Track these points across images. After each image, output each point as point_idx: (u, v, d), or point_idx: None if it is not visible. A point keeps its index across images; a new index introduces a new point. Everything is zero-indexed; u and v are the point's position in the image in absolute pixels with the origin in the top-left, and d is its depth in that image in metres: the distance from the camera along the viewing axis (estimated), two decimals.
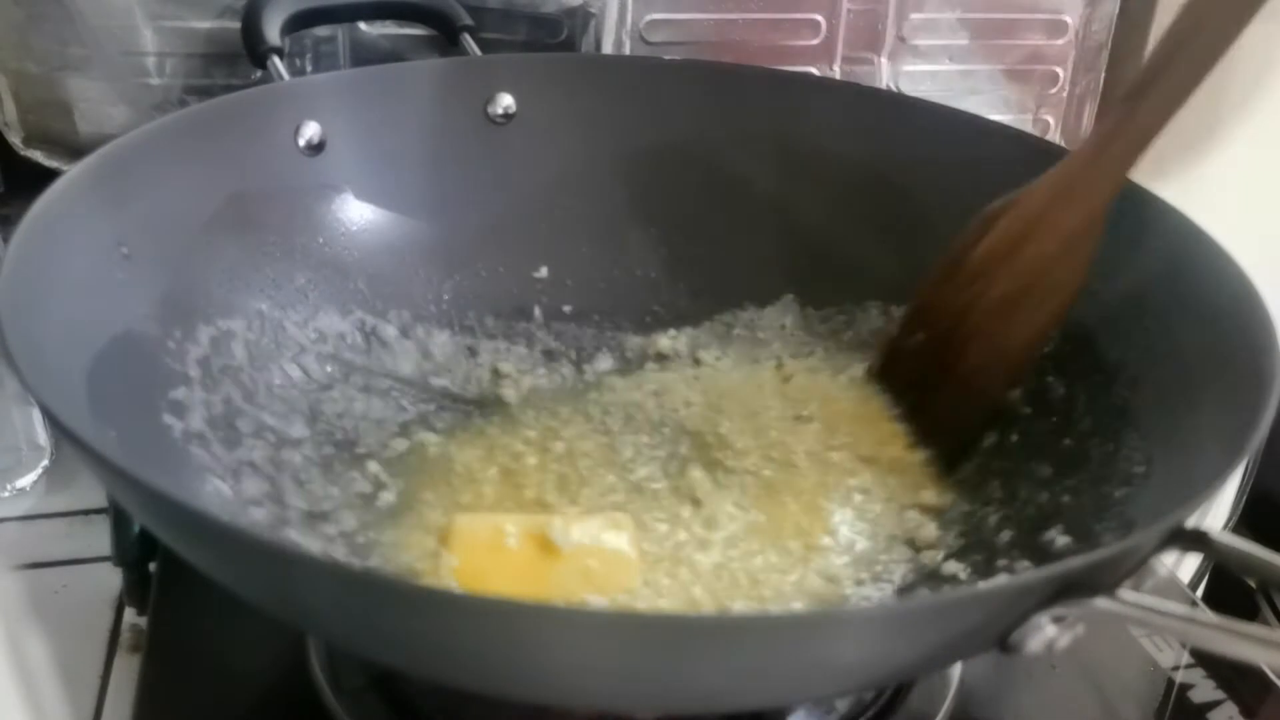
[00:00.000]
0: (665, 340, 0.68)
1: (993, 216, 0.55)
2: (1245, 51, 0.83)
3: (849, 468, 0.59)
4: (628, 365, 0.67)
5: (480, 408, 0.63)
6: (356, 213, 0.66)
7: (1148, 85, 0.50)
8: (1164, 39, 0.49)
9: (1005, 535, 0.53)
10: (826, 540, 0.55)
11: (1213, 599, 0.84)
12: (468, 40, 0.70)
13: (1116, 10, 0.83)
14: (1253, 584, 0.89)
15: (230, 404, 0.56)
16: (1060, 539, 0.50)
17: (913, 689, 0.54)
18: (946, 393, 0.57)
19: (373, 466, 0.58)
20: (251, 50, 0.66)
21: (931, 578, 0.53)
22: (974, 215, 0.63)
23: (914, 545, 0.55)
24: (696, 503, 0.56)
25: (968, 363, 0.56)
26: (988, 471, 0.58)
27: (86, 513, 0.68)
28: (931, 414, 0.58)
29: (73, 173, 0.52)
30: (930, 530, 0.55)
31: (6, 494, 0.68)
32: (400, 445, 0.60)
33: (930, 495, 0.57)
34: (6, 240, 0.47)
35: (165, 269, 0.56)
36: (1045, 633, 0.37)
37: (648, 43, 0.77)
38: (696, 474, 0.58)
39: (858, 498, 0.57)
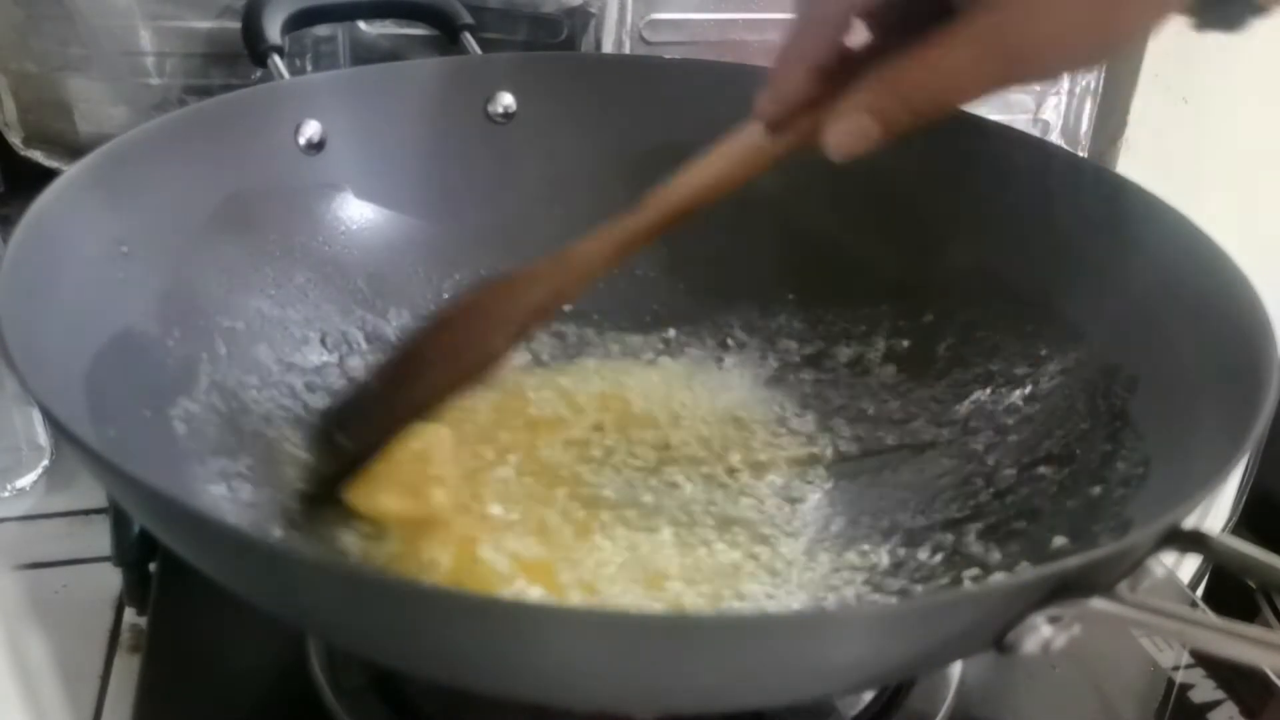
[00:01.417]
0: (664, 339, 0.68)
1: (484, 282, 0.55)
2: (1246, 52, 0.83)
3: None
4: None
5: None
6: (356, 212, 0.66)
7: (643, 209, 0.52)
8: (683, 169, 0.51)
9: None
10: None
11: (1213, 599, 0.84)
12: (468, 39, 0.70)
13: None
14: (1252, 585, 0.89)
15: (230, 403, 0.56)
16: (1057, 539, 0.50)
17: (913, 689, 0.54)
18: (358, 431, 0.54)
19: None
20: (252, 49, 0.66)
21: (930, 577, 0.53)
22: (972, 215, 0.63)
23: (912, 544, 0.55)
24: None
25: (383, 404, 0.54)
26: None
27: (86, 513, 0.68)
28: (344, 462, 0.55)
29: (72, 172, 0.52)
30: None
31: (6, 494, 0.68)
32: None
33: None
34: (6, 240, 0.47)
35: (165, 268, 0.56)
36: (1041, 633, 0.37)
37: (648, 43, 0.77)
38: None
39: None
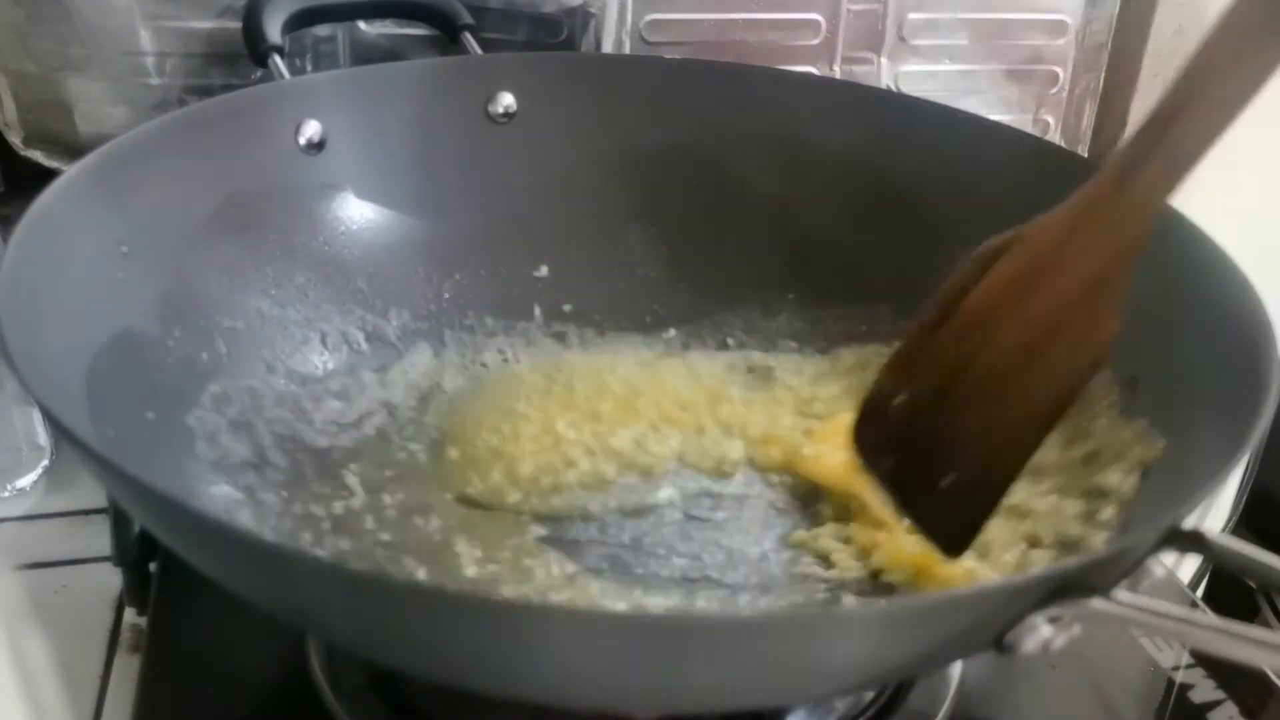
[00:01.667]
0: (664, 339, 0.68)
1: (989, 255, 0.45)
2: None
3: None
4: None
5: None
6: (357, 212, 0.66)
7: (1187, 101, 0.40)
8: (1201, 51, 0.40)
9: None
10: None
11: (1213, 599, 0.84)
12: (468, 39, 0.70)
13: (1116, 10, 0.83)
14: (1252, 585, 0.89)
15: (230, 403, 0.56)
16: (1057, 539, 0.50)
17: (913, 689, 0.54)
18: (934, 474, 0.46)
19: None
20: (252, 49, 0.66)
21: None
22: (972, 215, 0.63)
23: None
24: None
25: (962, 435, 0.45)
26: None
27: (86, 513, 0.68)
28: (919, 502, 0.48)
29: (72, 172, 0.52)
30: None
31: (6, 494, 0.68)
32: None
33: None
34: (6, 240, 0.47)
35: (165, 268, 0.56)
36: (1041, 633, 0.37)
37: (648, 43, 0.77)
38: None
39: None
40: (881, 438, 0.48)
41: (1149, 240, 0.43)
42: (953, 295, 0.45)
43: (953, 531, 0.46)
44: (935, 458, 0.45)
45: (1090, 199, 0.43)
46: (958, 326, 0.45)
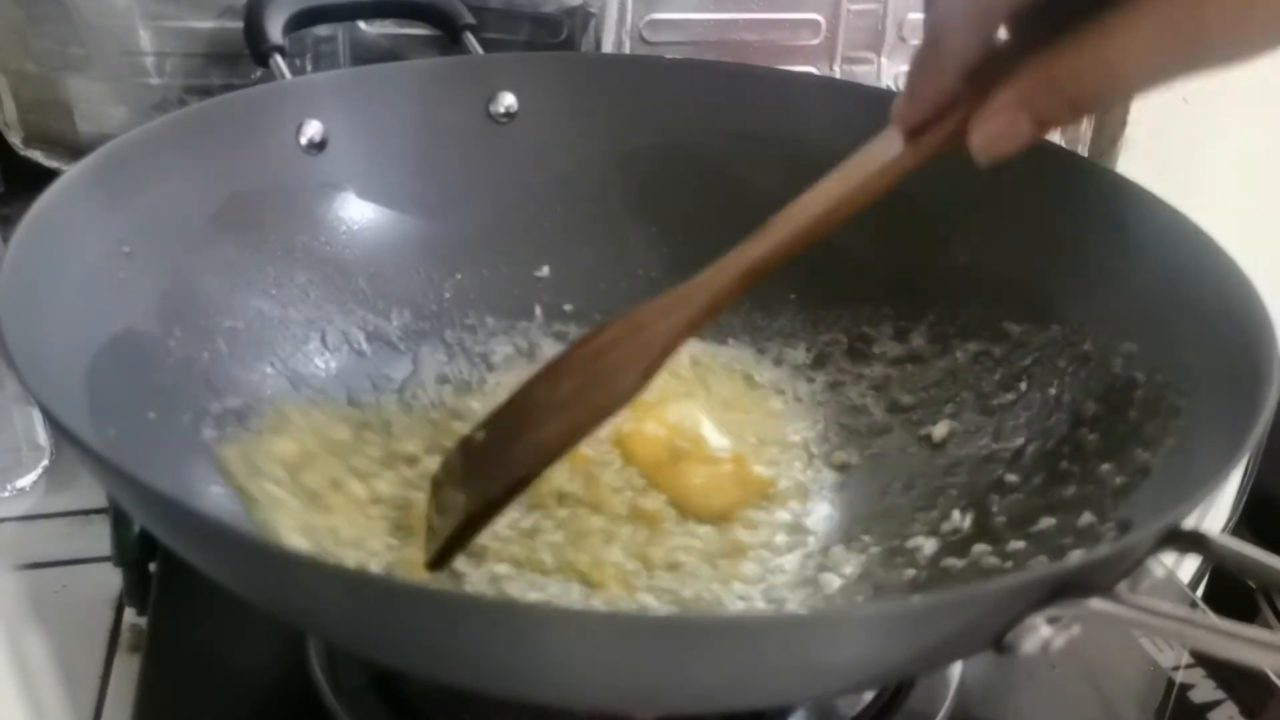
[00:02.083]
0: None
1: (604, 325, 0.52)
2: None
3: None
4: None
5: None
6: (358, 211, 0.66)
7: (771, 231, 0.51)
8: (816, 186, 0.50)
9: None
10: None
11: (1213, 599, 0.84)
12: (469, 39, 0.70)
13: None
14: (1252, 585, 0.89)
15: (230, 403, 0.56)
16: (1058, 538, 0.50)
17: (913, 689, 0.54)
18: (471, 484, 0.51)
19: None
20: (253, 49, 0.66)
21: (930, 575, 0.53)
22: (972, 215, 0.63)
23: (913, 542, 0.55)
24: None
25: (504, 452, 0.51)
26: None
27: (86, 513, 0.68)
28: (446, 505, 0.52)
29: (73, 172, 0.52)
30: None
31: (6, 494, 0.68)
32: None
33: None
34: (6, 240, 0.47)
35: (166, 268, 0.56)
36: (1041, 633, 0.37)
37: (648, 43, 0.77)
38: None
39: None
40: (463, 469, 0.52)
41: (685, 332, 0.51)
42: (556, 358, 0.52)
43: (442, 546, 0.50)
44: (469, 480, 0.51)
45: (683, 292, 0.51)
46: (547, 376, 0.51)
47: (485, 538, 0.52)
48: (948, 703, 0.54)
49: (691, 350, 0.67)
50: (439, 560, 0.50)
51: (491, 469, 0.50)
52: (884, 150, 0.47)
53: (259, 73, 0.68)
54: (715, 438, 0.59)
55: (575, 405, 0.50)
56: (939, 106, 0.44)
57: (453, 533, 0.49)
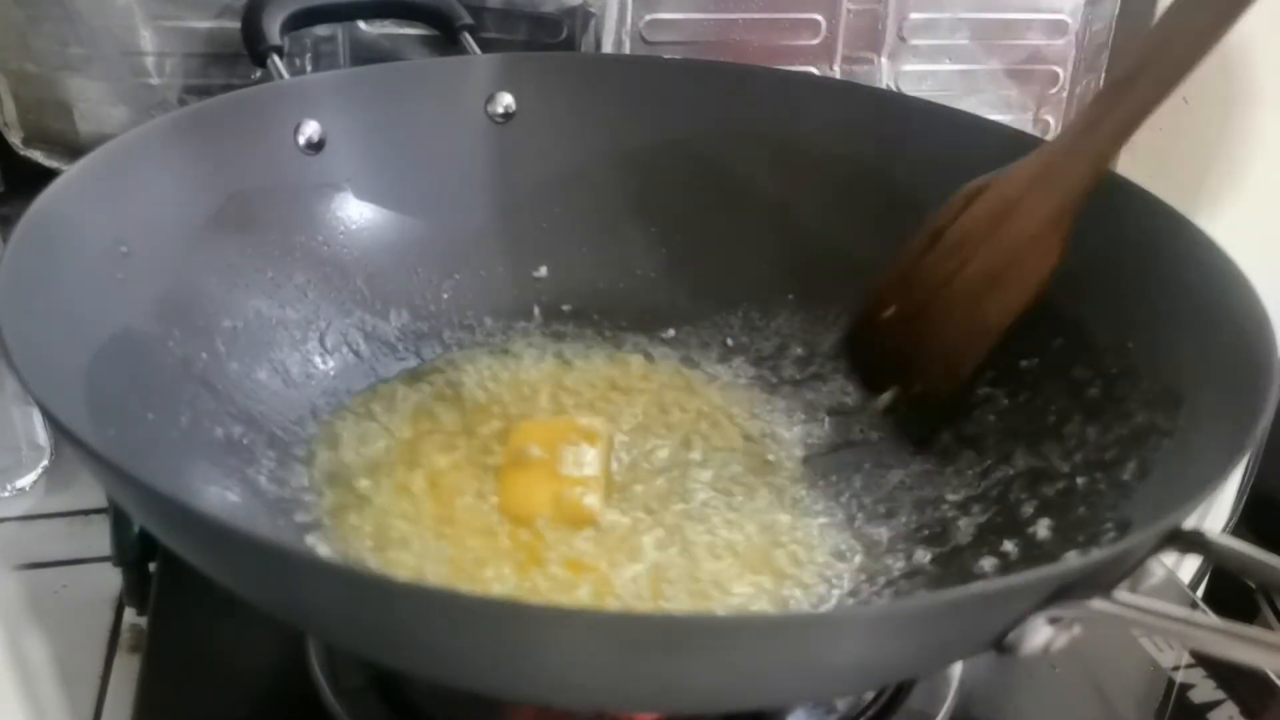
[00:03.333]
0: (664, 339, 0.68)
1: (973, 193, 0.55)
2: (1246, 52, 0.83)
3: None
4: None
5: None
6: (356, 212, 0.66)
7: (1133, 76, 0.50)
8: (1152, 32, 0.49)
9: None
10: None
11: (1213, 599, 0.84)
12: (467, 39, 0.70)
13: (1116, 10, 0.83)
14: (1252, 585, 0.89)
15: (230, 403, 0.56)
16: (1057, 538, 0.50)
17: (913, 689, 0.54)
18: (917, 370, 0.57)
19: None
20: (251, 49, 0.66)
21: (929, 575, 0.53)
22: None
23: (912, 543, 0.55)
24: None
25: (940, 340, 0.55)
26: (990, 472, 0.58)
27: (86, 513, 0.68)
28: (904, 390, 0.58)
29: (72, 172, 0.52)
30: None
31: (6, 494, 0.68)
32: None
33: None
34: (6, 240, 0.47)
35: (165, 268, 0.56)
36: (1042, 633, 0.37)
37: (648, 43, 0.77)
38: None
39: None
40: (871, 347, 0.57)
41: (1095, 189, 0.52)
42: (936, 228, 0.54)
43: (923, 427, 0.56)
44: (916, 360, 0.55)
45: (1054, 152, 0.52)
46: (939, 254, 0.54)
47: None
48: (948, 703, 0.54)
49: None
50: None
51: (928, 350, 0.54)
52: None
53: (259, 73, 0.68)
54: (581, 457, 0.58)
55: (1000, 289, 0.52)
56: None
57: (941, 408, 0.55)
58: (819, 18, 0.79)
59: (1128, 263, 0.56)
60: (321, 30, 0.73)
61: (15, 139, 0.71)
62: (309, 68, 0.74)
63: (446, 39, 0.71)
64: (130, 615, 0.62)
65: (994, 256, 0.53)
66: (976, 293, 0.54)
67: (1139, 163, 0.88)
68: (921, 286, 0.55)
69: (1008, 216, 0.53)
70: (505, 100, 0.68)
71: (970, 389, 0.60)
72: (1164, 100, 0.50)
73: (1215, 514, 0.96)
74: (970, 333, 0.55)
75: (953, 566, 0.53)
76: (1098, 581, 0.37)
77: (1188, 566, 0.88)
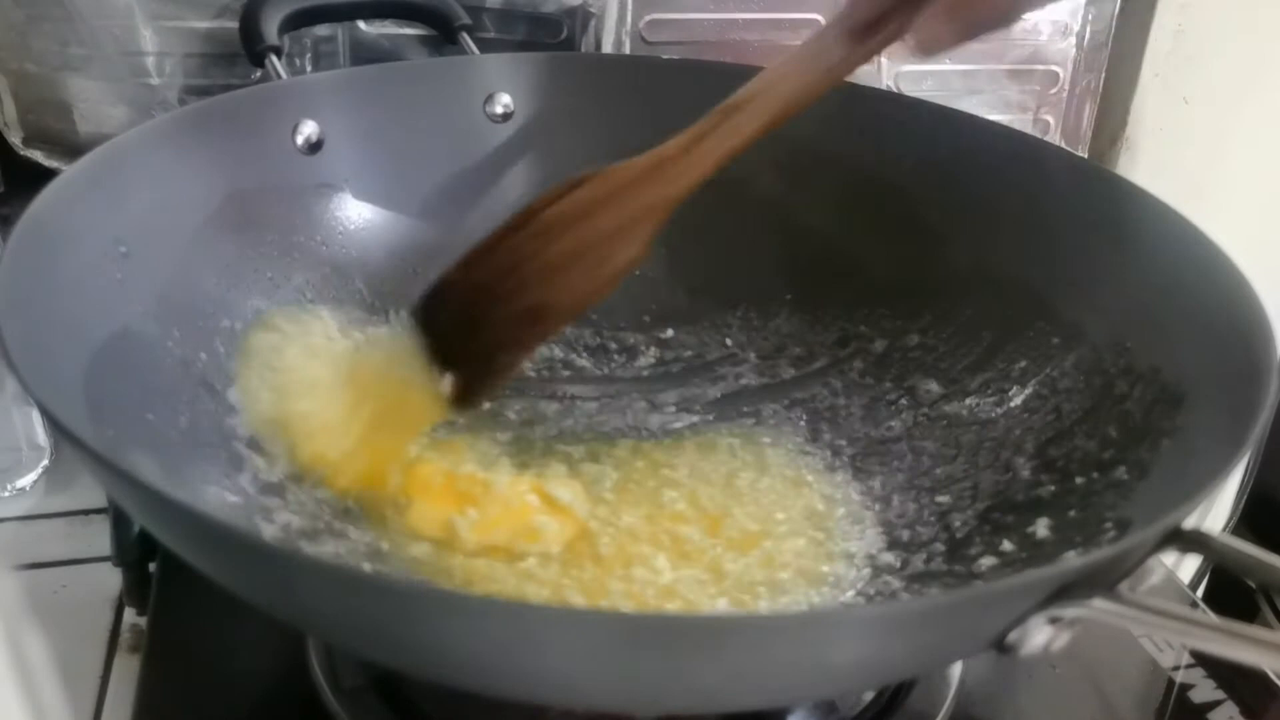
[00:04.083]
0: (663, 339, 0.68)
1: (579, 180, 0.55)
2: (1246, 52, 0.83)
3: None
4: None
5: None
6: (354, 212, 0.66)
7: (745, 103, 0.52)
8: (776, 64, 0.52)
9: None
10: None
11: (1213, 599, 0.84)
12: (466, 39, 0.70)
13: (1116, 10, 0.83)
14: (1252, 585, 0.89)
15: (230, 403, 0.56)
16: (1057, 539, 0.50)
17: (913, 689, 0.54)
18: (481, 337, 0.56)
19: None
20: (249, 49, 0.66)
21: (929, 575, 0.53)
22: (971, 215, 0.63)
23: (911, 542, 0.55)
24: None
25: (508, 311, 0.55)
26: (989, 473, 0.58)
27: (86, 513, 0.68)
28: (460, 359, 0.57)
29: (71, 171, 0.52)
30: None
31: (6, 494, 0.68)
32: None
33: None
34: (6, 240, 0.47)
35: (164, 268, 0.56)
36: (1042, 633, 0.37)
37: (648, 43, 0.77)
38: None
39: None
40: (443, 312, 0.56)
41: (682, 199, 0.54)
42: (536, 209, 0.55)
43: (475, 391, 0.56)
44: (482, 328, 0.55)
45: (659, 158, 0.54)
46: (531, 231, 0.54)
47: None
48: (948, 703, 0.54)
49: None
50: (465, 402, 0.56)
51: (494, 320, 0.54)
52: (831, 50, 0.50)
53: (258, 73, 0.68)
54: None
55: (579, 269, 0.54)
56: (881, 9, 0.48)
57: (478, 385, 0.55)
58: (819, 18, 0.79)
59: (1127, 262, 0.56)
60: (321, 30, 0.73)
61: (15, 139, 0.71)
62: (309, 68, 0.74)
63: (445, 39, 0.72)
64: (130, 615, 0.62)
65: (578, 241, 0.54)
66: (554, 272, 0.54)
67: (1139, 163, 0.88)
68: (505, 259, 0.55)
69: (601, 207, 0.54)
70: (504, 100, 0.68)
71: (968, 388, 0.59)
72: (765, 133, 0.52)
73: (1215, 514, 0.96)
74: (536, 312, 0.55)
75: (953, 566, 0.53)
76: (1098, 581, 0.37)
77: (1188, 566, 0.88)
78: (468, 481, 0.56)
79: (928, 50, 0.46)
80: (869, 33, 0.49)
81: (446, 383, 0.55)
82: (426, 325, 0.56)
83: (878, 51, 0.49)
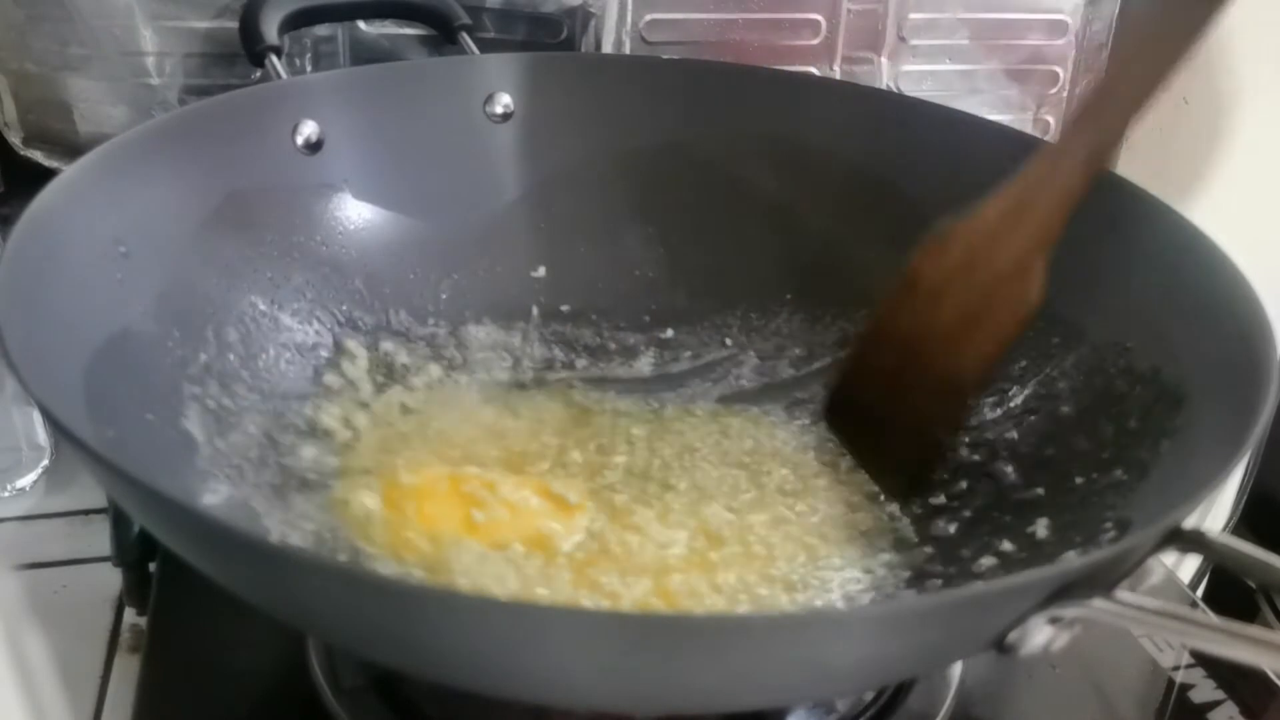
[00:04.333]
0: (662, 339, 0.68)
1: (943, 237, 0.53)
2: (1246, 52, 0.83)
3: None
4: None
5: None
6: (354, 212, 0.66)
7: (1100, 103, 0.50)
8: (1112, 59, 0.49)
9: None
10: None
11: (1213, 599, 0.84)
12: (466, 39, 0.70)
13: (1116, 10, 0.83)
14: (1252, 585, 0.89)
15: (229, 403, 0.56)
16: (1056, 539, 0.50)
17: (913, 689, 0.54)
18: (901, 429, 0.54)
19: None
20: (249, 49, 0.66)
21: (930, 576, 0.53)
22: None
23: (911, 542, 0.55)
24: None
25: (922, 394, 0.53)
26: (989, 473, 0.58)
27: (86, 513, 0.68)
28: (887, 452, 0.56)
29: (70, 171, 0.52)
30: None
31: (6, 494, 0.68)
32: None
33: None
34: (6, 240, 0.47)
35: (163, 268, 0.56)
36: (1042, 633, 0.37)
37: (648, 43, 0.77)
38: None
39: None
40: (854, 411, 0.55)
41: (1072, 215, 0.50)
42: (910, 278, 0.52)
43: (906, 481, 0.55)
44: (899, 418, 0.53)
45: (1024, 186, 0.51)
46: (916, 304, 0.52)
47: None
48: (948, 703, 0.54)
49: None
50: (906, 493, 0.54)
51: (918, 403, 0.52)
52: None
53: (258, 73, 0.68)
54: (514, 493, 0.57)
55: (981, 325, 0.51)
56: None
57: (920, 467, 0.54)
58: (819, 18, 0.79)
59: (1126, 263, 0.56)
60: (321, 30, 0.73)
61: (15, 139, 0.71)
62: (309, 68, 0.74)
63: (445, 39, 0.71)
64: (130, 615, 0.62)
65: (968, 301, 0.51)
66: (955, 340, 0.52)
67: (1139, 163, 0.88)
68: (898, 341, 0.53)
69: (980, 257, 0.51)
70: (504, 100, 0.68)
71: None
72: (1130, 125, 0.49)
73: (1215, 514, 0.96)
74: (952, 385, 0.53)
75: (953, 566, 0.53)
76: (1098, 581, 0.37)
77: (1188, 566, 0.88)
78: (473, 484, 0.56)
79: None
80: None
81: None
82: (842, 427, 0.55)
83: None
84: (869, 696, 0.53)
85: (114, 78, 0.70)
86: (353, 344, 0.64)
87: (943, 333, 0.51)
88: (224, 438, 0.55)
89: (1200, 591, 0.90)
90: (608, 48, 0.76)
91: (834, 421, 0.56)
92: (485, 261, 0.68)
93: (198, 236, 0.58)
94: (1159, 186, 0.56)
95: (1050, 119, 0.86)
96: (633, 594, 0.51)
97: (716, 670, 0.36)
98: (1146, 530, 0.39)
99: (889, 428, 0.54)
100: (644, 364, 0.68)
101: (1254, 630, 0.35)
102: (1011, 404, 0.60)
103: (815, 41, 0.80)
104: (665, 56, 0.76)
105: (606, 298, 0.69)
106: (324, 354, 0.62)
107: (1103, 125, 0.50)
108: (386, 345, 0.65)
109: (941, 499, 0.57)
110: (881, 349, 0.53)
